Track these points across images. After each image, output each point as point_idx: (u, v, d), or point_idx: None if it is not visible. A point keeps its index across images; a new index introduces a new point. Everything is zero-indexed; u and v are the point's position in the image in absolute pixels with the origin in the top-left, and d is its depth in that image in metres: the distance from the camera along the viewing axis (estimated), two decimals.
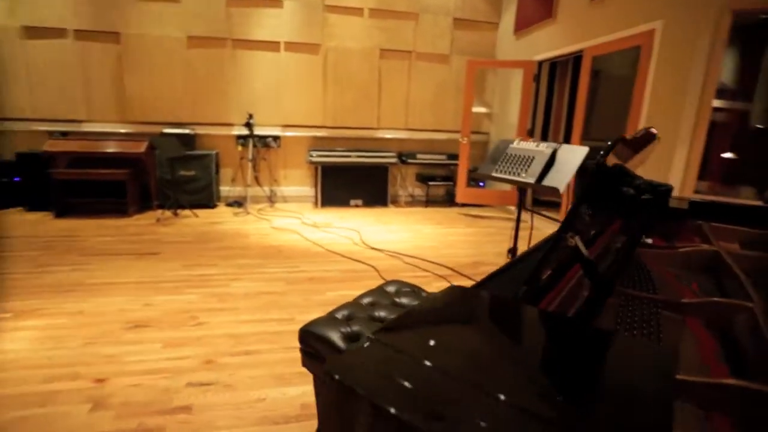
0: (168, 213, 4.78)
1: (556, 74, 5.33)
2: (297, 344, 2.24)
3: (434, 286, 3.08)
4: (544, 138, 5.54)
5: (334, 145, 5.72)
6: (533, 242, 4.43)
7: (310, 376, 1.94)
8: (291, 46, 5.41)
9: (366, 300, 1.69)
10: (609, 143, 0.90)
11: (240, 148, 5.38)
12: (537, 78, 5.05)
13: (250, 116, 5.10)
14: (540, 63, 5.00)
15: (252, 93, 5.41)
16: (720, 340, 0.77)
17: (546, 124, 5.49)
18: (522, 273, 0.77)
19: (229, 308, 2.59)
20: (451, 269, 3.47)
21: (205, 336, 2.26)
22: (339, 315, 1.55)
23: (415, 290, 1.80)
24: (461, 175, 5.49)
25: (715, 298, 0.83)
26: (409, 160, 5.87)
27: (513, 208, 5.69)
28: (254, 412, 1.70)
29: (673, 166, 3.24)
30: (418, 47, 5.75)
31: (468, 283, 3.16)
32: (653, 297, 0.88)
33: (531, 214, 5.04)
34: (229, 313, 2.52)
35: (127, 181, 4.67)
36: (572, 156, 1.98)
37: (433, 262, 3.62)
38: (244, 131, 5.19)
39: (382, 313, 1.56)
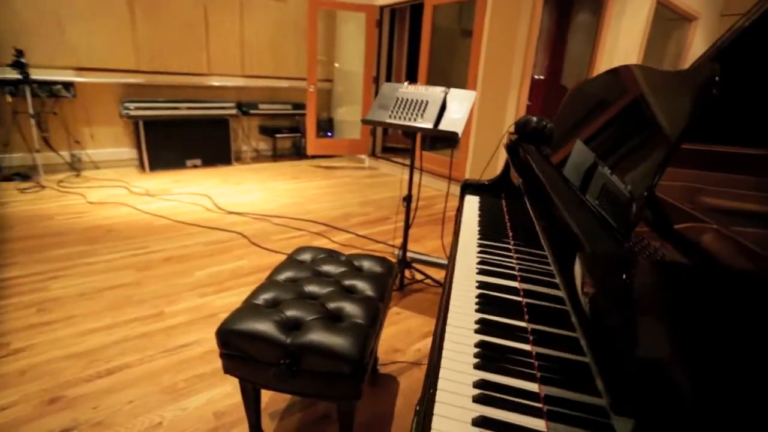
0: None
1: (396, 22, 5.33)
2: (177, 343, 1.78)
3: (317, 245, 2.86)
4: None
5: (156, 95, 4.61)
6: (416, 189, 4.48)
7: (214, 378, 1.56)
8: None
9: (282, 276, 1.38)
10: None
11: (10, 98, 3.82)
12: (379, 24, 4.95)
13: (19, 53, 3.62)
14: (381, 8, 4.89)
15: (17, 20, 3.80)
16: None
17: (389, 71, 5.52)
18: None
19: (61, 319, 1.87)
20: (325, 224, 3.29)
21: (33, 366, 1.57)
22: (259, 301, 1.22)
23: (332, 254, 1.57)
24: (310, 125, 5.16)
25: (691, 223, 0.86)
26: (251, 111, 5.20)
27: (363, 156, 5.72)
28: None
29: (507, 111, 3.65)
30: None
31: (346, 237, 3.04)
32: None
33: (422, 169, 5.15)
34: (63, 326, 1.82)
35: None
36: (462, 100, 1.96)
37: (303, 220, 3.36)
38: (14, 74, 3.68)
39: (313, 288, 1.30)
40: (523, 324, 0.80)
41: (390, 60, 5.49)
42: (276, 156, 5.72)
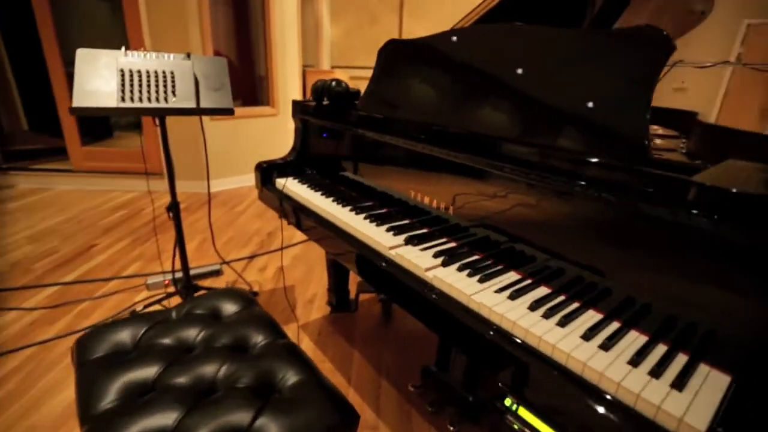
0: None
1: None
2: None
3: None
4: None
5: None
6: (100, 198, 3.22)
7: None
8: None
9: (113, 394, 0.78)
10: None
11: None
12: None
13: None
14: None
15: None
16: None
17: None
18: None
19: None
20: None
21: None
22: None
23: (155, 317, 0.99)
24: None
25: None
26: None
27: None
28: None
29: None
30: None
31: (47, 295, 1.96)
32: None
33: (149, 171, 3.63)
34: None
35: None
36: (214, 68, 1.50)
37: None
38: None
39: (194, 375, 0.81)
40: (425, 231, 0.84)
41: None
42: None
